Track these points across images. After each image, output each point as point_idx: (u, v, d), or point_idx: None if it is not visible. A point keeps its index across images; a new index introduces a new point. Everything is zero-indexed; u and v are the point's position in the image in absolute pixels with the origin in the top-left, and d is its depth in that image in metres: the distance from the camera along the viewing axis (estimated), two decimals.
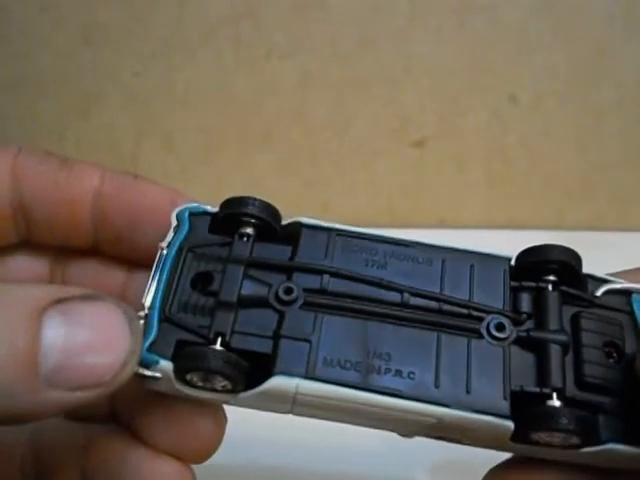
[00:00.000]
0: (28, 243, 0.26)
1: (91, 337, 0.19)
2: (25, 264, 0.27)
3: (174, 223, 0.24)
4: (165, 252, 0.23)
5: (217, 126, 0.51)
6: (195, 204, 0.24)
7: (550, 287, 0.24)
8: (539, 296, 0.24)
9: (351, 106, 0.51)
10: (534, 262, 0.24)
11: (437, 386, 0.22)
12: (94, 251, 0.26)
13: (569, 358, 0.23)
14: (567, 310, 0.24)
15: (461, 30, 0.49)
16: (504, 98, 0.50)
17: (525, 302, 0.24)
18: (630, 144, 0.51)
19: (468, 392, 0.22)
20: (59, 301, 0.18)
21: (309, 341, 0.22)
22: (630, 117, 0.50)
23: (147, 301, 0.22)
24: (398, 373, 0.22)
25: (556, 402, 0.22)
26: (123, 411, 0.25)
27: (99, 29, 0.50)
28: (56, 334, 0.18)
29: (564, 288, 0.24)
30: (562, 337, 0.23)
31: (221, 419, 0.25)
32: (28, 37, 0.50)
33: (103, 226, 0.25)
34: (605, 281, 0.24)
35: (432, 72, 0.50)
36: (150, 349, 0.21)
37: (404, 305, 0.23)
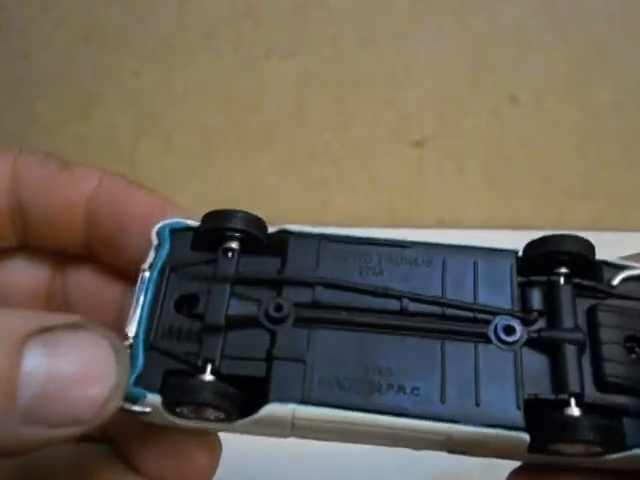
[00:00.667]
0: (27, 247, 0.26)
1: (74, 370, 0.17)
2: (24, 269, 0.26)
3: (155, 242, 0.23)
4: (147, 274, 0.22)
5: (217, 126, 0.51)
6: (176, 219, 0.23)
7: (562, 280, 0.22)
8: (550, 291, 0.22)
9: (351, 106, 0.51)
10: (543, 254, 0.22)
11: (443, 401, 0.20)
12: (92, 259, 0.26)
13: (586, 358, 0.21)
14: (582, 303, 0.22)
15: (461, 30, 0.49)
16: (504, 98, 0.50)
17: (535, 299, 0.22)
18: (630, 144, 0.51)
19: (477, 404, 0.20)
20: (43, 330, 0.17)
21: (303, 361, 0.21)
22: (630, 117, 0.50)
23: (131, 329, 0.21)
24: (401, 389, 0.20)
25: (575, 410, 0.20)
26: (116, 436, 0.24)
27: (99, 29, 0.50)
28: (37, 365, 0.17)
29: (577, 280, 0.22)
30: (578, 335, 0.21)
31: (216, 449, 0.24)
32: (28, 37, 0.50)
33: (94, 231, 0.25)
34: (622, 268, 0.22)
35: (432, 72, 0.50)
36: (137, 382, 0.20)
37: (403, 313, 0.22)
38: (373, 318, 0.21)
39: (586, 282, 0.22)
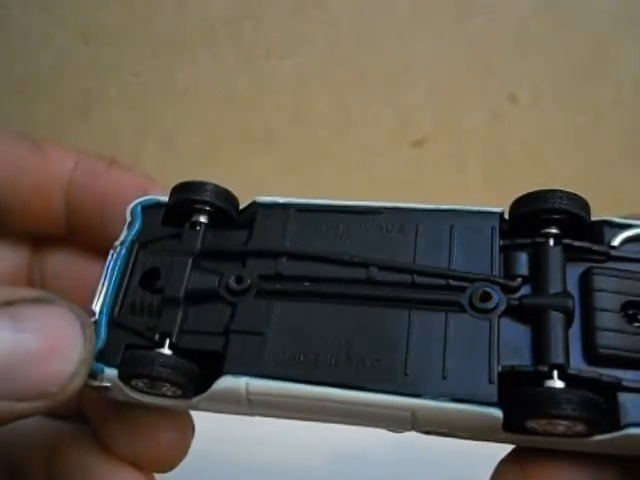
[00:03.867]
0: (3, 231, 0.25)
1: (39, 344, 0.17)
2: (1, 253, 0.25)
3: (128, 219, 0.22)
4: (117, 251, 0.22)
5: (217, 126, 0.51)
6: (148, 196, 0.23)
7: (551, 242, 0.20)
8: (537, 254, 0.20)
9: (351, 106, 0.51)
10: (531, 213, 0.20)
11: (407, 373, 0.18)
12: (71, 241, 0.25)
13: (576, 329, 0.19)
14: (575, 268, 0.19)
15: (461, 30, 0.49)
16: (504, 98, 0.50)
17: (520, 263, 0.20)
18: (629, 144, 0.51)
19: (444, 377, 0.18)
20: (7, 303, 0.17)
21: (262, 334, 0.20)
22: (629, 117, 0.50)
23: (97, 306, 0.21)
24: (360, 362, 0.19)
25: (557, 382, 0.18)
26: (88, 414, 0.24)
27: (99, 29, 0.50)
28: (2, 339, 0.17)
29: (568, 241, 0.19)
30: (564, 301, 0.19)
31: (186, 428, 0.24)
32: (28, 37, 0.50)
33: (75, 214, 0.24)
34: (625, 227, 0.20)
35: (432, 72, 0.50)
36: (98, 357, 0.20)
37: (370, 282, 0.20)
38: (336, 288, 0.20)
39: (579, 243, 0.19)
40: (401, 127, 0.51)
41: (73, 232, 0.25)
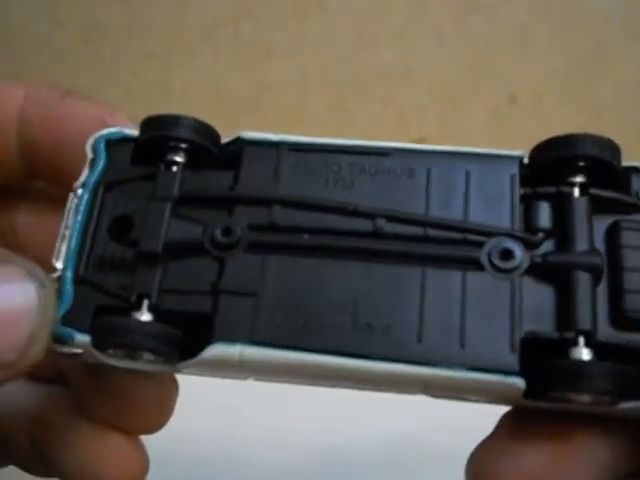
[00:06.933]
0: None
1: None
2: None
3: (89, 156, 0.19)
4: (79, 194, 0.19)
5: (216, 126, 0.51)
6: (114, 129, 0.20)
7: (576, 192, 0.17)
8: (561, 206, 0.17)
9: (350, 106, 0.51)
10: (554, 159, 0.18)
11: (420, 340, 0.17)
12: (39, 191, 0.23)
13: (602, 289, 0.17)
14: (601, 221, 0.17)
15: (461, 30, 0.49)
16: (504, 98, 0.50)
17: (542, 216, 0.18)
18: (629, 144, 0.51)
19: (462, 345, 0.16)
20: None
21: (255, 294, 0.17)
22: (629, 117, 0.50)
23: (59, 260, 0.18)
24: (368, 327, 0.17)
25: (583, 352, 0.16)
26: (68, 378, 0.23)
27: (99, 29, 0.50)
28: None
29: (595, 191, 0.17)
30: (593, 259, 0.17)
31: (170, 389, 0.22)
32: (28, 37, 0.50)
33: (31, 155, 0.21)
34: None
35: (432, 72, 0.50)
36: (65, 321, 0.17)
37: (377, 235, 0.18)
38: (340, 242, 0.18)
39: (607, 193, 0.17)
40: (401, 127, 0.51)
41: (33, 177, 0.22)
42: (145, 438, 0.23)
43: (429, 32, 0.49)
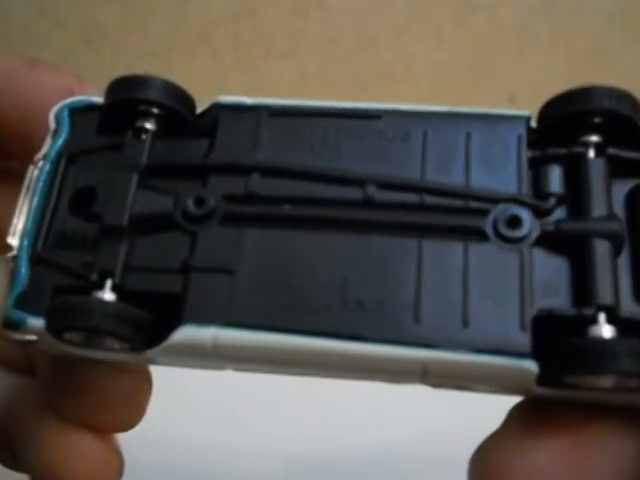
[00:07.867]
0: None
1: None
2: None
3: (52, 126, 0.18)
4: (39, 167, 0.17)
5: None
6: (78, 97, 0.18)
7: (591, 152, 0.16)
8: (574, 169, 0.16)
9: None
10: (566, 116, 0.16)
11: (418, 319, 0.15)
12: (10, 168, 0.21)
13: (624, 260, 0.15)
14: (621, 186, 0.16)
15: (461, 30, 0.49)
16: (503, 98, 0.50)
17: (553, 179, 0.16)
18: None
19: (465, 324, 0.15)
20: None
21: (231, 271, 0.16)
22: None
23: (15, 238, 0.17)
24: (358, 305, 0.15)
25: (605, 329, 0.14)
26: (36, 370, 0.21)
27: (99, 29, 0.50)
28: None
29: (614, 151, 0.16)
30: (612, 226, 0.15)
31: (141, 382, 0.20)
32: (28, 37, 0.50)
33: (1, 130, 0.20)
34: None
35: (431, 72, 0.50)
36: (18, 304, 0.16)
37: (368, 203, 0.16)
38: (326, 212, 0.16)
39: (627, 154, 0.16)
40: None
41: (8, 156, 0.21)
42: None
43: (429, 32, 0.49)
